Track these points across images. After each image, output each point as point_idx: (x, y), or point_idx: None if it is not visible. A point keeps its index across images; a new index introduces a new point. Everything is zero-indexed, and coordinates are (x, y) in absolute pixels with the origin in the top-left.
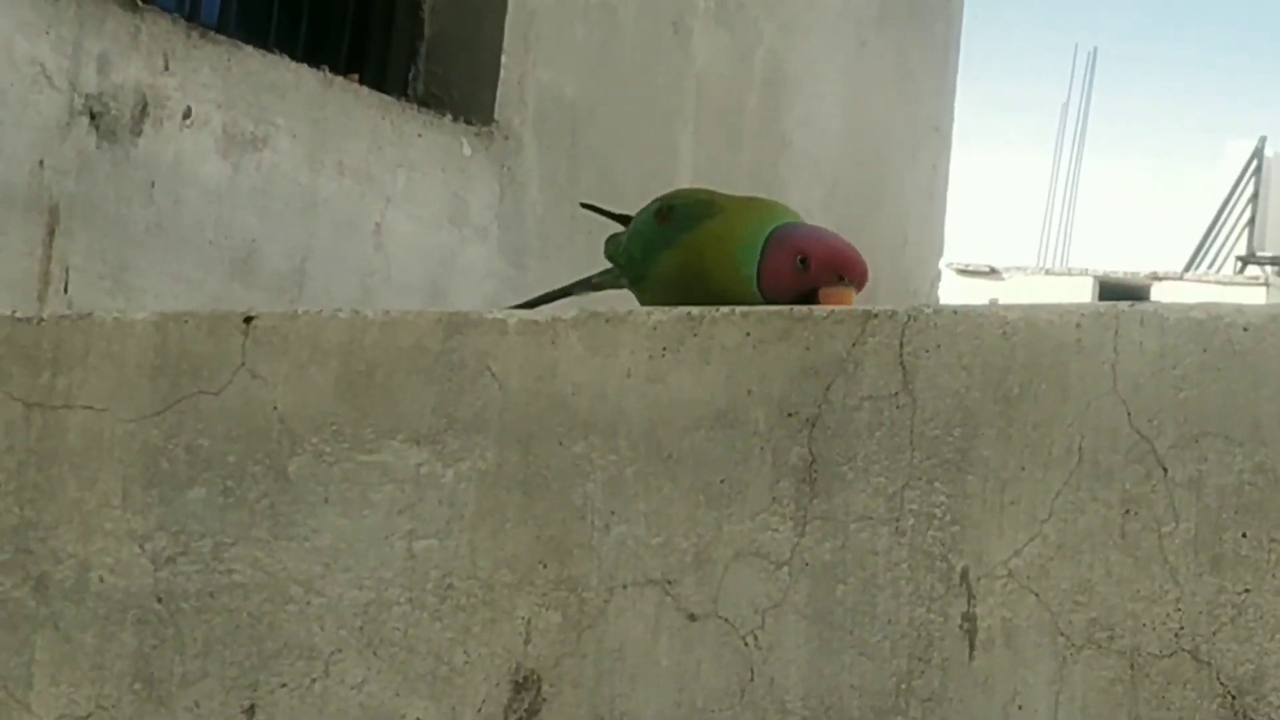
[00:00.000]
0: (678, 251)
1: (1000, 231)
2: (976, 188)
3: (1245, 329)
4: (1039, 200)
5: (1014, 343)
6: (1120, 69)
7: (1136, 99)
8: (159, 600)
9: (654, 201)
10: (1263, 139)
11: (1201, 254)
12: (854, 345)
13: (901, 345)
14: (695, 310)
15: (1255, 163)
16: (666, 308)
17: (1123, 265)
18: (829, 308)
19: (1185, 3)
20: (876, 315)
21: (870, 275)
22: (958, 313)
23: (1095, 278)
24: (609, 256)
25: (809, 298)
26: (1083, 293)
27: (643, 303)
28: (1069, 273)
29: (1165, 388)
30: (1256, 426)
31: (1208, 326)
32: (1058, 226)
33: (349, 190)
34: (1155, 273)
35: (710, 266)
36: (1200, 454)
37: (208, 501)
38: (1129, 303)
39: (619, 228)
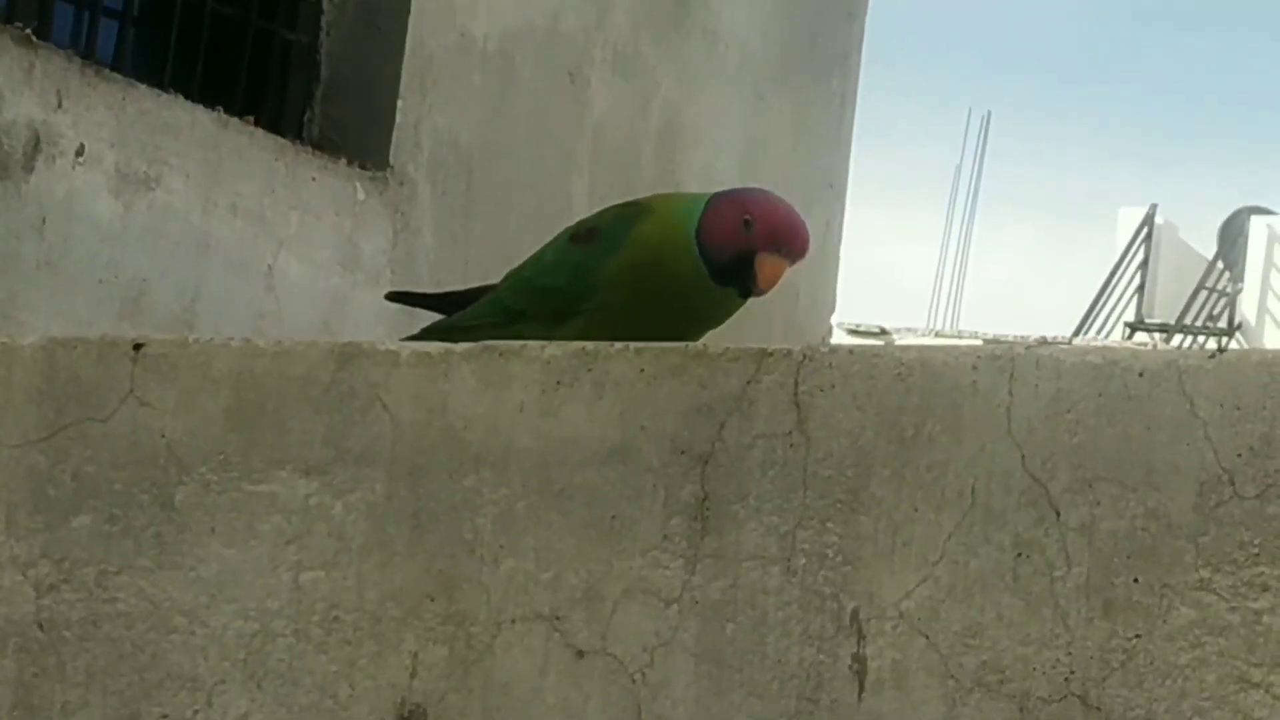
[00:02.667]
0: (628, 251)
1: (892, 293)
2: (869, 248)
3: (1141, 374)
4: (930, 262)
5: (909, 384)
6: (1015, 133)
7: (1030, 164)
8: (41, 628)
9: (547, 245)
10: (1153, 206)
11: (1091, 319)
12: (749, 383)
13: (796, 384)
14: (590, 345)
15: (1145, 229)
16: (560, 343)
17: (1013, 329)
18: (724, 346)
19: (1080, 71)
20: (772, 354)
21: (810, 251)
22: (853, 352)
23: (985, 341)
24: (504, 306)
25: (745, 261)
26: None
27: (570, 336)
28: (959, 335)
29: (1060, 431)
30: (1149, 472)
31: (1104, 371)
32: (948, 289)
33: (242, 232)
34: (1044, 337)
35: (664, 249)
36: (1093, 498)
37: (93, 529)
38: (1025, 345)
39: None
